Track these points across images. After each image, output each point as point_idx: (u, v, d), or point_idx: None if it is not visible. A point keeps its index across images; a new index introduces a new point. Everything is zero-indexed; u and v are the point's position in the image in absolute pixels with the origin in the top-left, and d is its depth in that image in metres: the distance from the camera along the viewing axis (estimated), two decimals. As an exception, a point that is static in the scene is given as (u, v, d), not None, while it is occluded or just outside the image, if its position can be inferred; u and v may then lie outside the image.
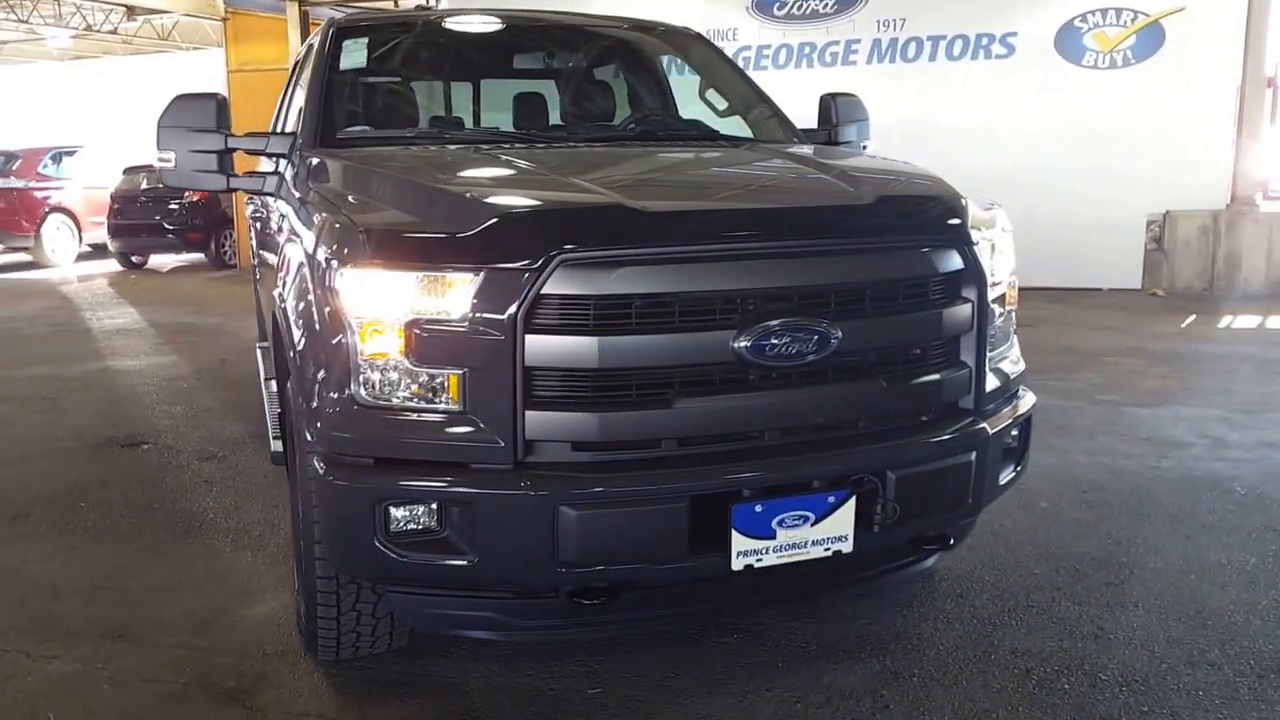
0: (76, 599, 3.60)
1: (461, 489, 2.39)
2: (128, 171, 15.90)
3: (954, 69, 11.43)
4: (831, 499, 2.52)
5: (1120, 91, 10.96)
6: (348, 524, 2.46)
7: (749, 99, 4.19)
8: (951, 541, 2.91)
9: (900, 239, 2.71)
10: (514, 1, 8.92)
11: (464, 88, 4.53)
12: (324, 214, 2.70)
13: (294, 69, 5.19)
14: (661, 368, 2.42)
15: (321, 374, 2.52)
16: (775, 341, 2.41)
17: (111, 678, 3.05)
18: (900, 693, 2.91)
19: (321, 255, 2.56)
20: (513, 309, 2.30)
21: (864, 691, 2.91)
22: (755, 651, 3.15)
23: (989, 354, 2.89)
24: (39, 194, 15.55)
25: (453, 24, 4.41)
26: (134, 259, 16.07)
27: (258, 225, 5.02)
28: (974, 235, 2.79)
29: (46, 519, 4.43)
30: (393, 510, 2.41)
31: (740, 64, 12.07)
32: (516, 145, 3.60)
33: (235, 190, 3.63)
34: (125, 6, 16.90)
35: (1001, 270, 2.98)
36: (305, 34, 13.65)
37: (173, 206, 15.29)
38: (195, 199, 15.07)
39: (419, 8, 4.95)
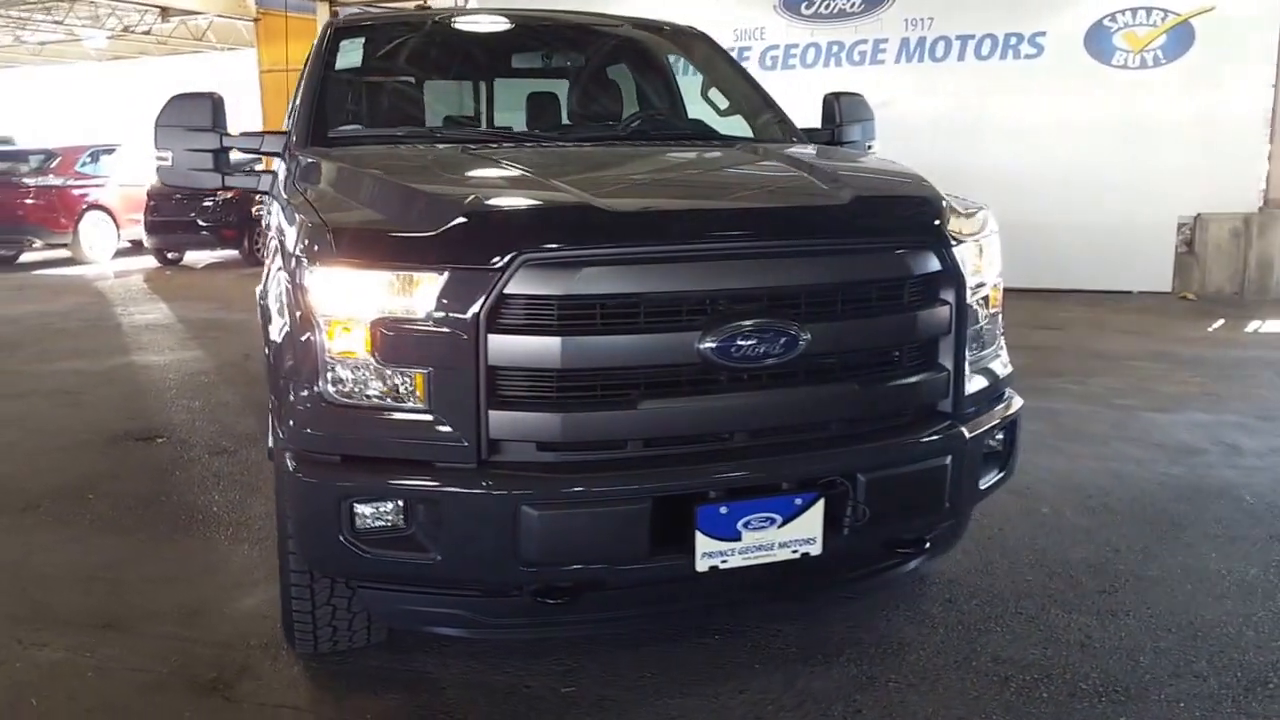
0: (73, 589, 3.67)
1: (425, 488, 2.41)
2: (164, 169, 16.10)
3: (983, 69, 11.29)
4: (799, 501, 2.50)
5: (1150, 92, 10.78)
6: (315, 520, 2.49)
7: (749, 98, 4.17)
8: (928, 546, 2.88)
9: (874, 240, 2.68)
10: (532, 1, 8.96)
11: (460, 87, 4.56)
12: (301, 213, 2.73)
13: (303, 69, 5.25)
14: (626, 369, 2.42)
15: (293, 371, 2.56)
16: (742, 343, 2.40)
17: (97, 666, 3.10)
18: (874, 698, 2.89)
19: (295, 253, 2.59)
20: (476, 308, 2.32)
21: (837, 696, 2.89)
22: (734, 653, 3.14)
23: (972, 356, 2.85)
24: (77, 191, 15.80)
25: (451, 24, 4.45)
26: (169, 255, 16.31)
27: (261, 223, 5.09)
28: (959, 237, 2.75)
29: (54, 510, 4.52)
30: (358, 507, 2.43)
31: (768, 63, 12.11)
32: (505, 145, 3.61)
33: (231, 189, 3.67)
34: (159, 8, 17.18)
35: (988, 272, 2.94)
36: (336, 34, 13.76)
37: (207, 204, 15.47)
38: (230, 197, 15.22)
39: (419, 8, 4.98)
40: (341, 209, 2.68)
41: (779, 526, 2.49)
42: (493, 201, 2.67)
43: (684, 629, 3.24)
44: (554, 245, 2.36)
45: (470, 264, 2.33)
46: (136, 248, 16.72)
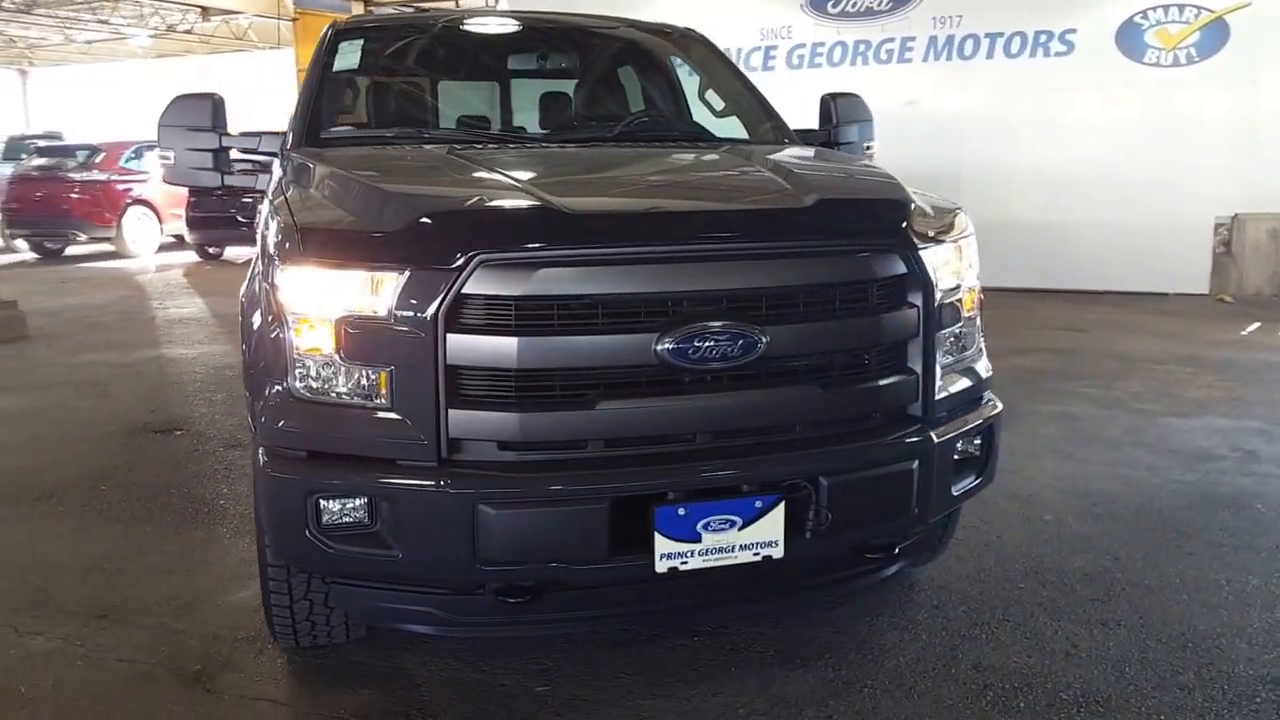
0: (73, 578, 3.76)
1: (386, 485, 2.44)
2: (205, 166, 16.39)
3: (1012, 67, 11.13)
4: (759, 503, 2.49)
5: (1184, 90, 10.56)
6: (283, 515, 2.53)
7: (743, 99, 4.15)
8: (897, 553, 2.85)
9: (836, 242, 2.66)
10: (549, 3, 8.96)
11: (457, 89, 4.58)
12: (279, 214, 2.77)
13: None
14: (584, 369, 2.43)
15: (265, 367, 2.60)
16: (699, 345, 2.40)
17: (87, 655, 3.18)
18: (848, 703, 2.86)
19: (270, 252, 2.64)
20: (434, 308, 2.34)
21: (810, 700, 2.87)
22: (712, 655, 3.13)
23: (947, 360, 2.82)
24: (120, 186, 16.15)
25: (450, 26, 4.48)
26: (210, 250, 16.60)
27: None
28: (929, 239, 2.72)
29: (66, 500, 4.63)
30: (324, 503, 2.47)
31: (795, 62, 12.04)
32: (490, 146, 3.63)
33: (231, 188, 3.74)
34: (200, 8, 17.47)
35: (964, 275, 2.91)
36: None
37: (247, 200, 15.71)
38: (268, 193, 15.48)
39: (418, 9, 5.02)
40: (314, 210, 2.72)
41: (739, 529, 2.49)
42: (453, 203, 2.69)
43: (664, 630, 3.24)
44: (510, 246, 2.38)
45: (429, 264, 2.36)
46: (179, 242, 17.03)
